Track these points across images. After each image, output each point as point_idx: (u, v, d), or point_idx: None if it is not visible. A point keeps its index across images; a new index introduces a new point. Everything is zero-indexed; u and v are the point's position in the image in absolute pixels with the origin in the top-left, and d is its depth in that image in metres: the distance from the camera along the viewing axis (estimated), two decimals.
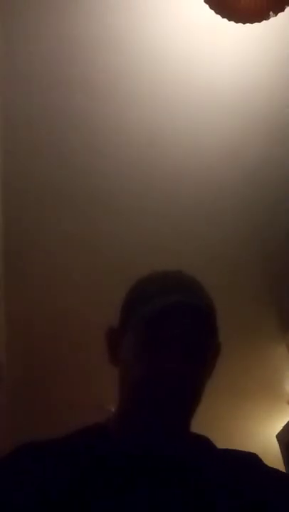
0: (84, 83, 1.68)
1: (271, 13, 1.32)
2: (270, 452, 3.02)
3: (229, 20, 1.36)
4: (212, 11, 1.35)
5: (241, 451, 0.70)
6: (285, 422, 2.90)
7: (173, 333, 0.63)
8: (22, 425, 2.89)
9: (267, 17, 1.33)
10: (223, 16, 1.36)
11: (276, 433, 2.96)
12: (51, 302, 2.40)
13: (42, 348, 2.59)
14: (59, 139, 1.82)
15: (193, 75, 1.67)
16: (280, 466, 2.67)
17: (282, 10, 1.32)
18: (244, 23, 1.36)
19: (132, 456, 0.63)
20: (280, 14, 1.33)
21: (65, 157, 1.88)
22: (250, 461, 0.68)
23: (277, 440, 2.91)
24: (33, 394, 2.83)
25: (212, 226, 2.14)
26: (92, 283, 2.33)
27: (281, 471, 0.68)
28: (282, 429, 2.92)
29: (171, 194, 2.02)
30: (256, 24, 1.37)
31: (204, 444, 0.71)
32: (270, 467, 0.68)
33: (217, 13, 1.35)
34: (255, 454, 0.70)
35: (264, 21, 1.35)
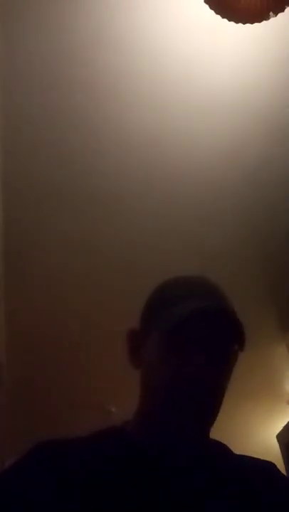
0: (84, 83, 1.68)
1: (271, 13, 1.32)
2: (270, 452, 3.02)
3: (229, 20, 1.36)
4: (212, 11, 1.35)
5: (258, 459, 0.71)
6: (286, 422, 2.90)
7: (198, 338, 0.64)
8: (22, 425, 2.88)
9: (267, 17, 1.33)
10: (223, 16, 1.35)
11: (276, 433, 2.96)
12: (51, 302, 2.40)
13: (42, 348, 2.59)
14: (59, 139, 1.82)
15: (193, 75, 1.67)
16: (280, 466, 2.67)
17: (282, 10, 1.32)
18: (244, 24, 1.36)
19: (147, 457, 0.64)
20: (280, 14, 1.33)
21: (65, 157, 1.88)
22: (267, 468, 0.69)
23: (278, 440, 2.91)
24: (33, 394, 2.83)
25: (212, 226, 2.14)
26: (92, 283, 2.33)
27: None
28: (282, 430, 2.92)
29: (171, 194, 2.02)
30: (256, 24, 1.36)
31: (221, 448, 0.72)
32: (286, 476, 0.68)
33: (217, 13, 1.35)
34: (272, 462, 0.70)
35: (264, 21, 1.35)
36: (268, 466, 0.70)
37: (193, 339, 0.64)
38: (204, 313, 0.64)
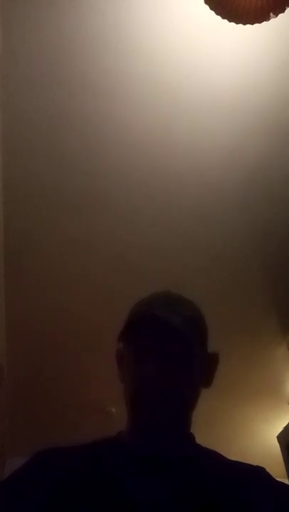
0: (84, 84, 1.68)
1: (271, 13, 1.32)
2: (271, 453, 3.02)
3: (230, 21, 1.36)
4: (213, 12, 1.35)
5: (249, 464, 0.72)
6: (286, 423, 2.90)
7: (146, 345, 0.70)
8: (23, 426, 2.89)
9: (267, 18, 1.33)
10: (223, 17, 1.35)
11: (277, 434, 2.95)
12: (51, 303, 2.40)
13: (42, 349, 2.59)
14: (59, 139, 1.82)
15: (193, 76, 1.67)
16: (281, 466, 2.67)
17: (283, 11, 1.32)
18: (244, 24, 1.36)
19: (141, 460, 0.66)
20: (281, 15, 1.33)
21: (66, 158, 1.88)
22: (257, 472, 0.70)
23: (278, 441, 2.90)
24: (33, 395, 2.83)
25: (212, 227, 2.14)
26: (92, 284, 2.33)
27: (287, 485, 0.69)
28: (283, 430, 2.91)
29: (172, 194, 2.02)
30: (257, 25, 1.36)
31: (212, 453, 0.74)
32: (276, 480, 0.69)
33: (218, 14, 1.35)
34: (262, 467, 0.72)
35: (264, 22, 1.35)
36: (258, 470, 0.71)
37: (143, 346, 0.70)
38: (146, 322, 0.70)
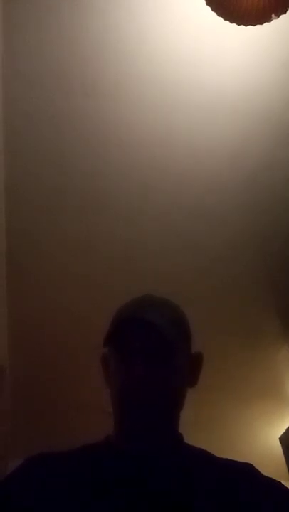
0: (84, 84, 1.68)
1: (273, 15, 1.32)
2: (272, 454, 3.01)
3: (231, 22, 1.36)
4: (214, 13, 1.35)
5: (237, 461, 0.73)
6: (288, 425, 2.89)
7: (132, 347, 0.71)
8: (24, 427, 2.88)
9: (269, 19, 1.33)
10: (225, 18, 1.35)
11: (279, 435, 2.95)
12: (52, 304, 2.40)
13: (43, 350, 2.59)
14: (59, 139, 1.82)
15: (195, 77, 1.67)
16: (283, 468, 2.66)
17: (285, 12, 1.32)
18: (246, 25, 1.36)
19: (129, 463, 0.67)
20: (282, 16, 1.33)
21: (65, 158, 1.88)
22: (246, 469, 0.71)
23: (280, 442, 2.90)
24: (34, 396, 2.83)
25: (213, 227, 2.14)
26: (93, 285, 2.33)
27: (275, 480, 0.70)
28: (285, 432, 2.91)
29: (173, 195, 2.02)
30: (258, 26, 1.36)
31: (201, 452, 0.74)
32: (264, 476, 0.70)
33: (219, 15, 1.35)
34: (250, 463, 0.72)
35: (266, 23, 1.34)
36: (246, 467, 0.72)
37: (130, 349, 0.72)
38: (131, 324, 0.72)
